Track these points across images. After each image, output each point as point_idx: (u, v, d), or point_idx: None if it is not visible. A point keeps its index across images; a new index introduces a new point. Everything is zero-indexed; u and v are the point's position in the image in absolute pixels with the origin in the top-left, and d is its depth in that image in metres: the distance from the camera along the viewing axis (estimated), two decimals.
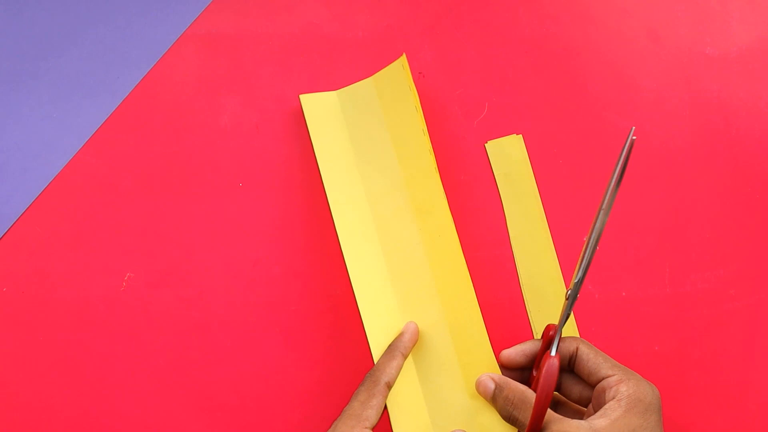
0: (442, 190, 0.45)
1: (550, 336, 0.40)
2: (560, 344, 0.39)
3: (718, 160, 0.49)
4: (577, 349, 0.39)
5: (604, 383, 0.37)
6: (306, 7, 0.54)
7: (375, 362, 0.42)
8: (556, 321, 0.40)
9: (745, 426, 0.44)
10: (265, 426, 0.45)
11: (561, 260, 0.47)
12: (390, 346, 0.43)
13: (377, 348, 0.43)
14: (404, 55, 0.48)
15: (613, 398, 0.35)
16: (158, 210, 0.49)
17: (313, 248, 0.48)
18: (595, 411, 0.36)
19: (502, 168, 0.49)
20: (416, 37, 0.53)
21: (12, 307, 0.47)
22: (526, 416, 0.37)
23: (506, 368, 0.41)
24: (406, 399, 0.42)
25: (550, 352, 0.38)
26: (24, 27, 0.54)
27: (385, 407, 0.40)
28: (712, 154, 0.49)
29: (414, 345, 0.43)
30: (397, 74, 0.48)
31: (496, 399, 0.39)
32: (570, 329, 0.46)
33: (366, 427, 0.37)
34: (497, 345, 0.43)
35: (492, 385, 0.39)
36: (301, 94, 0.50)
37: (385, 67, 0.49)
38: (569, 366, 0.39)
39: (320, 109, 0.49)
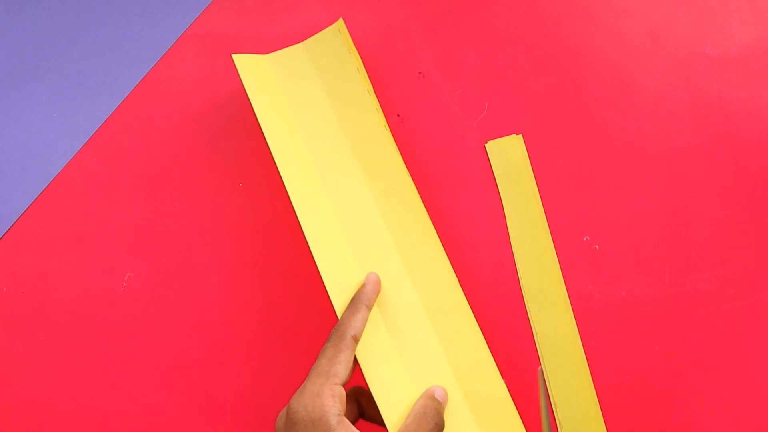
0: (393, 144, 0.46)
1: None
2: None
3: (718, 160, 0.49)
4: None
5: None
6: (306, 7, 0.54)
7: (339, 317, 0.41)
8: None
9: (745, 426, 0.44)
10: (265, 426, 0.45)
11: (561, 260, 0.47)
12: (353, 299, 0.42)
13: (340, 303, 0.42)
14: (341, 20, 0.50)
15: None
16: (158, 210, 0.49)
17: None
18: None
19: (502, 168, 0.49)
20: (416, 37, 0.52)
21: (12, 307, 0.47)
22: None
23: None
24: (377, 351, 0.41)
25: None
26: (24, 27, 0.54)
27: (356, 361, 0.39)
28: (712, 154, 0.49)
29: (377, 295, 0.43)
30: (333, 38, 0.50)
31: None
32: (570, 329, 0.46)
33: (336, 383, 0.36)
34: (498, 345, 0.43)
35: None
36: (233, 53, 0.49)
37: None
38: None
39: (254, 70, 0.49)
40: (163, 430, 0.45)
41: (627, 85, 0.51)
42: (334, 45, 0.49)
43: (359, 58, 0.49)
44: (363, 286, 0.42)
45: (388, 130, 0.46)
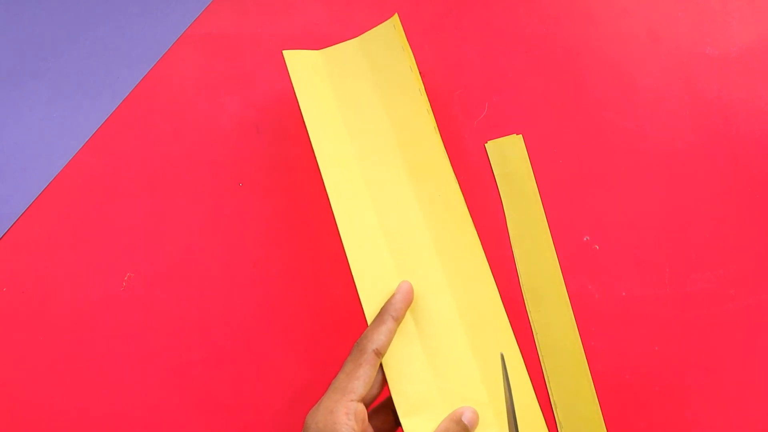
0: (443, 148, 0.44)
1: None
2: None
3: (718, 160, 0.49)
4: None
5: None
6: (306, 7, 0.54)
7: (368, 325, 0.40)
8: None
9: (745, 426, 0.44)
10: (265, 425, 0.45)
11: (561, 260, 0.47)
12: (380, 310, 0.40)
13: (371, 310, 0.40)
14: (396, 15, 0.47)
15: None
16: (158, 210, 0.49)
17: (313, 248, 0.48)
18: None
19: (502, 168, 0.49)
20: (416, 37, 0.52)
21: (12, 307, 0.47)
22: None
23: None
24: (406, 364, 0.39)
25: None
26: (24, 27, 0.54)
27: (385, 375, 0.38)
28: (712, 154, 0.49)
29: (407, 306, 0.40)
30: (388, 34, 0.47)
31: None
32: (570, 329, 0.46)
33: (352, 400, 0.35)
34: None
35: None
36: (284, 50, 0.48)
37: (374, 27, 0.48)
38: None
39: (304, 67, 0.48)
40: (163, 430, 0.45)
41: (627, 85, 0.51)
42: (388, 41, 0.47)
43: (413, 56, 0.47)
44: (392, 296, 0.40)
45: (438, 132, 0.45)
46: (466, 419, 0.37)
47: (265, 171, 0.50)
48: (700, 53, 0.52)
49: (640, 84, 0.51)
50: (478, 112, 0.51)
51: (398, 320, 0.39)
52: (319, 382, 0.46)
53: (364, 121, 0.46)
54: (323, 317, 0.47)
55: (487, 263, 0.42)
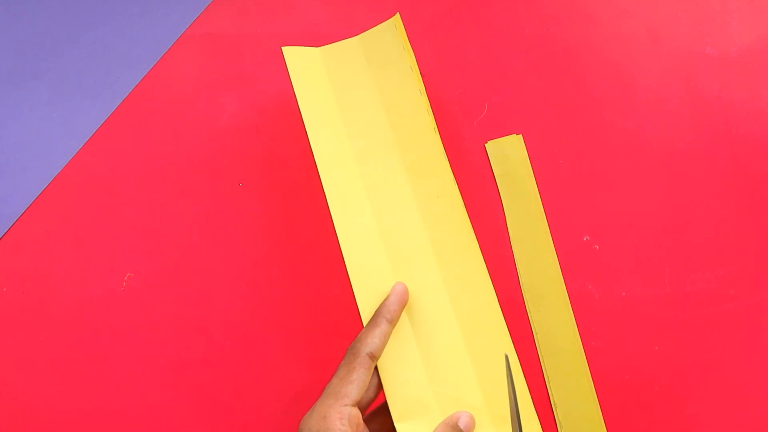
0: (442, 149, 0.44)
1: None
2: None
3: (718, 160, 0.49)
4: None
5: None
6: (306, 7, 0.54)
7: (364, 326, 0.39)
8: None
9: (745, 426, 0.44)
10: (265, 425, 0.45)
11: (561, 260, 0.47)
12: (375, 312, 0.39)
13: (367, 312, 0.40)
14: (398, 15, 0.47)
15: None
16: (158, 210, 0.49)
17: (313, 248, 0.48)
18: None
19: (502, 168, 0.49)
20: (416, 37, 0.52)
21: (12, 307, 0.47)
22: None
23: None
24: (401, 367, 0.39)
25: None
26: (24, 27, 0.54)
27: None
28: (712, 154, 0.49)
29: (402, 308, 0.40)
30: (388, 33, 0.47)
31: None
32: (570, 329, 0.46)
33: (346, 405, 0.35)
34: None
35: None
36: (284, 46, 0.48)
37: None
38: None
39: (304, 64, 0.47)
40: (163, 430, 0.45)
41: (627, 85, 0.51)
42: (389, 40, 0.47)
43: (413, 56, 0.47)
44: (386, 298, 0.40)
45: (437, 133, 0.44)
46: (462, 424, 0.37)
47: (265, 171, 0.50)
48: (700, 53, 0.52)
49: (640, 84, 0.51)
50: (478, 112, 0.51)
51: (393, 322, 0.39)
52: (318, 383, 0.46)
53: (363, 120, 0.46)
54: (323, 317, 0.47)
55: (484, 265, 0.42)
